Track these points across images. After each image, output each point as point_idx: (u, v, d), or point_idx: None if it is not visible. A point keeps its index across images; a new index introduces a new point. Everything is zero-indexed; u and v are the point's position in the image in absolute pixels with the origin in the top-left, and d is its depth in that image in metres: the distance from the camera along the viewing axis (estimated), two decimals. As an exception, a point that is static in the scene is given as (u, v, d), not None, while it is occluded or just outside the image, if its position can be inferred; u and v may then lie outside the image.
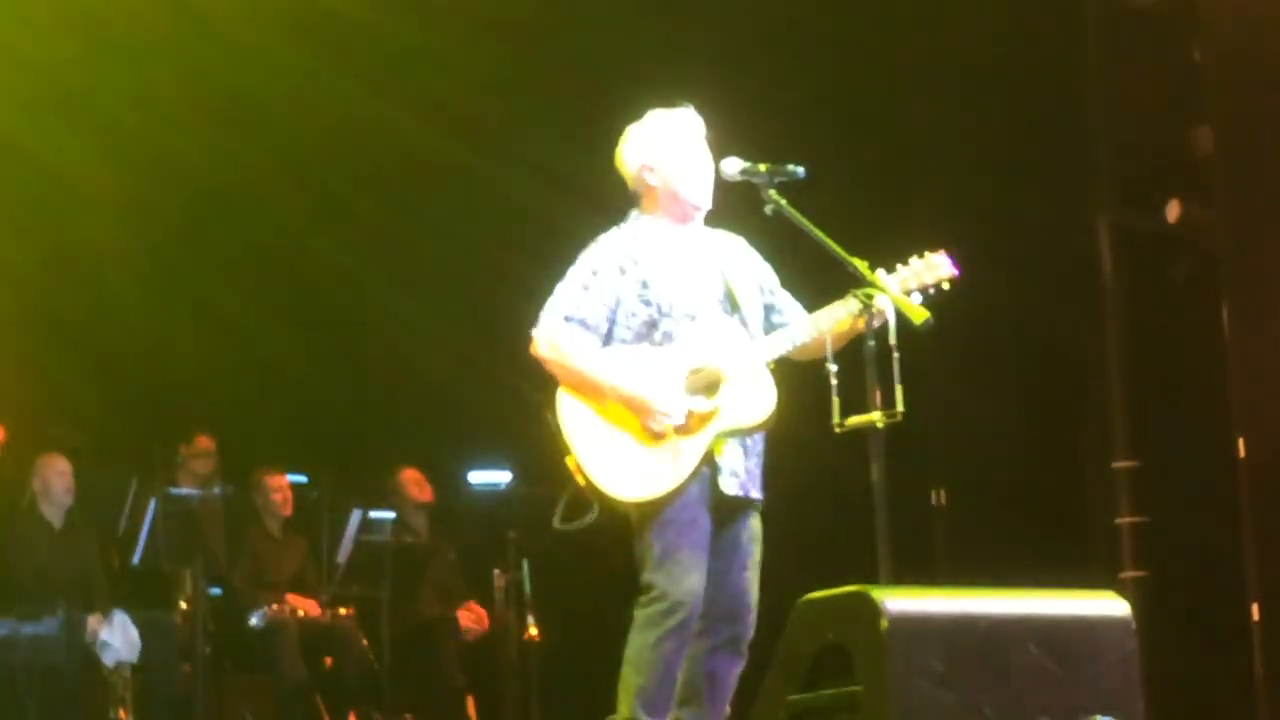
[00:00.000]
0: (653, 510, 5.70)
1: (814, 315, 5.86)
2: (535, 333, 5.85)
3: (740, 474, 5.83)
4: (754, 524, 5.89)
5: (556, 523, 5.83)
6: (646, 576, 5.71)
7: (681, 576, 5.65)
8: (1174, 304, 9.61)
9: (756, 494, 5.88)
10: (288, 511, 10.60)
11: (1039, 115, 9.85)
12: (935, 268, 5.79)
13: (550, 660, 10.60)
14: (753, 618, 5.84)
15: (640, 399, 5.72)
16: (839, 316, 5.74)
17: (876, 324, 5.58)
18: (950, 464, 9.92)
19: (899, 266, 5.77)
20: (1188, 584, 9.30)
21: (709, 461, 5.75)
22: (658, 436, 5.70)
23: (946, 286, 5.79)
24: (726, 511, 5.82)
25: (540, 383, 5.92)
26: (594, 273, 5.86)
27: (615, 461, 5.72)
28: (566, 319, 5.81)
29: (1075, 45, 9.80)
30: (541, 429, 5.84)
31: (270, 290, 12.10)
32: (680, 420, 5.71)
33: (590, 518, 5.78)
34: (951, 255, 5.81)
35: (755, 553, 5.87)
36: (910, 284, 5.75)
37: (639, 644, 5.67)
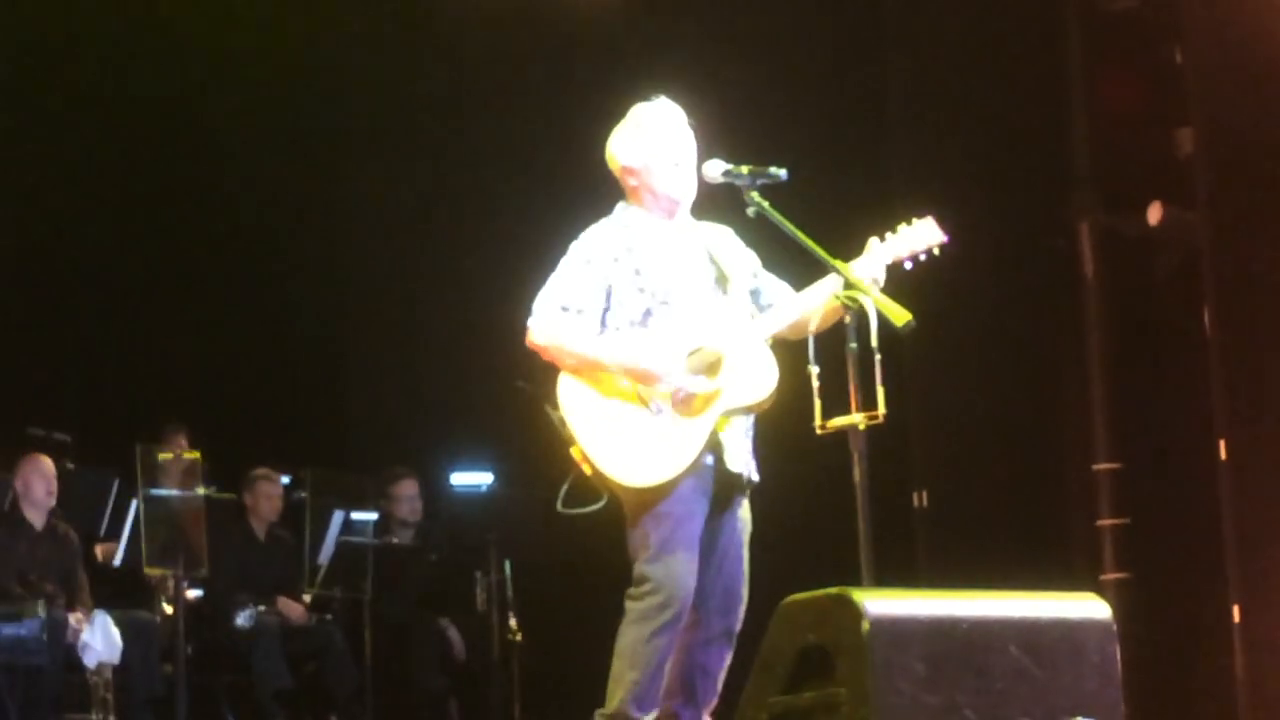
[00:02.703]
0: (650, 499, 5.68)
1: (801, 293, 5.87)
2: (530, 323, 5.83)
3: (744, 453, 5.84)
4: (746, 510, 5.90)
5: (560, 507, 5.81)
6: (641, 568, 5.71)
7: (677, 571, 5.65)
8: (1155, 305, 9.63)
9: (755, 475, 5.90)
10: (275, 516, 10.59)
11: (1020, 117, 9.86)
12: (924, 234, 5.81)
13: (533, 661, 10.59)
14: (743, 609, 5.85)
15: (643, 366, 5.69)
16: (824, 294, 5.75)
17: (854, 311, 5.60)
18: (932, 466, 9.92)
19: (888, 235, 5.79)
20: (1169, 586, 9.32)
21: (714, 443, 5.75)
22: (669, 400, 5.68)
23: (937, 252, 5.81)
24: (726, 495, 5.82)
25: (538, 376, 5.90)
26: (587, 262, 5.85)
27: (620, 446, 5.69)
28: (563, 309, 5.79)
29: (1056, 47, 9.81)
30: (541, 422, 5.82)
31: (253, 288, 12.10)
32: (681, 381, 5.70)
33: (598, 505, 5.76)
34: (939, 221, 5.83)
35: (746, 540, 5.88)
36: (901, 251, 5.77)
37: (633, 637, 5.67)
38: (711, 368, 5.77)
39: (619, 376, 5.74)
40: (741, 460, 5.83)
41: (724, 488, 5.81)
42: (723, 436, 5.76)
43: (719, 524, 5.83)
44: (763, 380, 5.79)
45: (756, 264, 6.06)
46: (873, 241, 5.79)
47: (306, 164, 11.85)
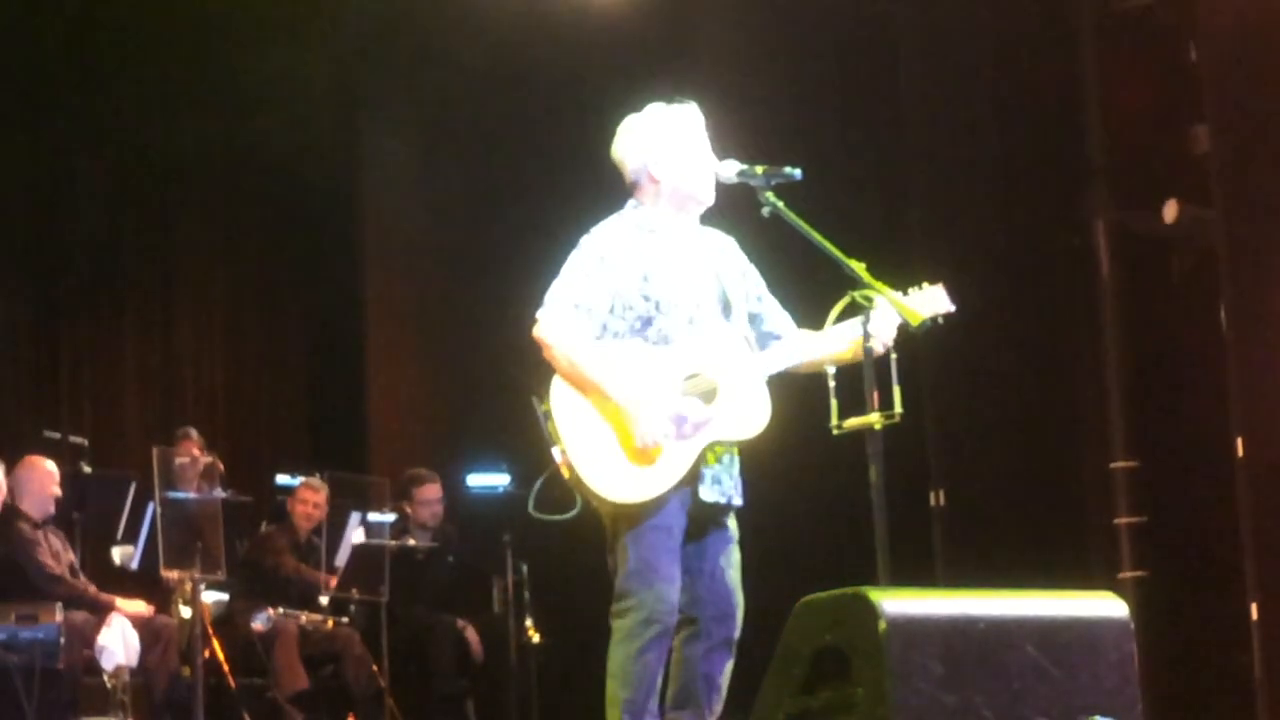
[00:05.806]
0: (632, 515, 5.69)
1: (818, 336, 5.85)
2: (540, 314, 5.79)
3: (724, 481, 5.84)
4: (733, 526, 5.90)
5: (531, 509, 5.82)
6: (621, 584, 5.71)
7: (658, 586, 5.65)
8: (1172, 304, 9.61)
9: (738, 500, 5.90)
10: (314, 525, 10.54)
11: (1036, 115, 9.85)
12: (933, 301, 5.79)
13: (549, 663, 10.60)
14: (740, 616, 5.84)
15: (632, 412, 5.69)
16: (840, 348, 5.75)
17: (879, 350, 5.61)
18: (948, 465, 9.90)
19: (899, 296, 5.77)
20: (1186, 584, 9.30)
21: (695, 470, 5.74)
22: (642, 452, 5.69)
23: (941, 321, 5.79)
24: (707, 516, 5.82)
25: (534, 367, 5.89)
26: (600, 259, 5.82)
27: (604, 459, 5.69)
28: (575, 306, 5.76)
29: (1071, 45, 9.80)
30: (532, 418, 5.81)
31: (271, 292, 12.13)
32: (662, 441, 5.68)
33: (572, 513, 5.77)
34: (949, 289, 5.81)
35: (736, 553, 5.89)
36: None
37: (621, 657, 5.67)
38: (707, 395, 5.77)
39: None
40: (718, 490, 5.82)
41: (700, 511, 5.80)
42: (705, 468, 5.77)
43: (707, 540, 5.83)
44: (754, 418, 5.79)
45: (761, 287, 6.04)
46: (879, 300, 5.70)
47: (322, 168, 11.88)
